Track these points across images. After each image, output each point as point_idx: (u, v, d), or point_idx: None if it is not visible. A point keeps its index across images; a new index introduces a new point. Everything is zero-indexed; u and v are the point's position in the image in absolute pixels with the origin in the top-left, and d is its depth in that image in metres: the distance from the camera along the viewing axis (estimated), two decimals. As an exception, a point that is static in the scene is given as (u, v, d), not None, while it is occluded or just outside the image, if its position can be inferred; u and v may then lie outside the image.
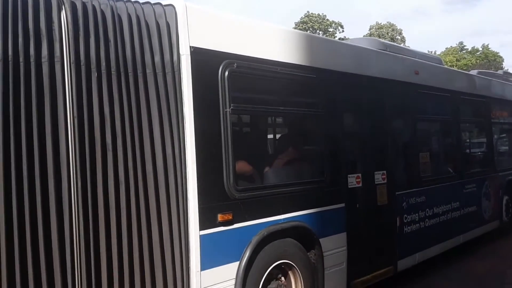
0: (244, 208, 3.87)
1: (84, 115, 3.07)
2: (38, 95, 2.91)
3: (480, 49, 57.94)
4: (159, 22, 3.49)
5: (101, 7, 3.26)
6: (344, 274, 4.79)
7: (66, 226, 2.95)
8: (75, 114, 3.02)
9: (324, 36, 41.32)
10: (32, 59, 2.90)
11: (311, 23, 48.78)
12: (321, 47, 5.08)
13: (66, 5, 3.08)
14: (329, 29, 49.82)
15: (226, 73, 3.81)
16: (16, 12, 2.87)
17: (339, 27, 50.59)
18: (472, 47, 59.09)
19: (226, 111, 3.78)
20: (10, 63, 2.81)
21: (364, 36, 51.15)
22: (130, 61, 3.31)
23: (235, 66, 3.87)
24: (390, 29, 51.48)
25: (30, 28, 2.91)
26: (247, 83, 4.16)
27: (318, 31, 47.85)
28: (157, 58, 3.44)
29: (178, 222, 3.45)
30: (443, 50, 58.50)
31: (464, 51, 58.82)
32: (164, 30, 3.49)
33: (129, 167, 3.24)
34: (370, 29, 52.39)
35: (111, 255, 3.14)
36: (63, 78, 3.00)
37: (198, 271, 3.52)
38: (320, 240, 4.52)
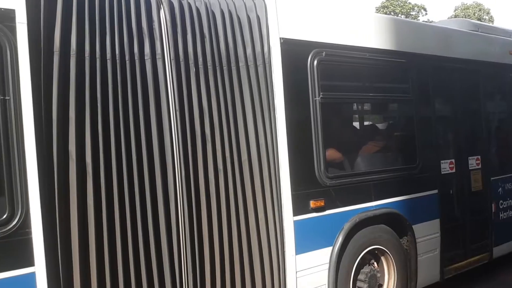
0: (335, 195, 3.90)
1: (184, 108, 3.26)
2: (143, 91, 3.14)
3: None
4: (250, 16, 3.61)
5: (196, 4, 3.44)
6: (438, 260, 4.71)
7: (172, 210, 3.17)
8: (177, 108, 3.23)
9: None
10: (136, 57, 3.13)
11: (392, 7, 46.63)
12: (410, 31, 4.93)
13: (164, 4, 3.29)
14: (411, 13, 47.30)
15: (315, 62, 3.86)
16: (121, 13, 3.12)
17: (422, 10, 47.90)
18: None
19: (316, 99, 3.83)
20: (118, 61, 3.06)
21: (449, 18, 48.33)
22: (224, 55, 3.47)
23: (323, 55, 3.90)
24: (476, 9, 48.22)
25: (134, 28, 3.15)
26: (336, 71, 4.18)
27: (400, 15, 45.78)
28: (248, 51, 3.56)
29: (273, 208, 3.57)
30: (539, 27, 54.49)
31: None
32: (255, 23, 3.60)
33: (226, 156, 3.41)
34: (455, 10, 49.48)
35: (213, 239, 3.33)
36: (165, 74, 3.21)
37: (293, 255, 3.62)
38: (413, 226, 4.47)
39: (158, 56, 3.20)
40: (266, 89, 3.60)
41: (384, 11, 44.90)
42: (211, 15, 3.46)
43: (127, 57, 3.08)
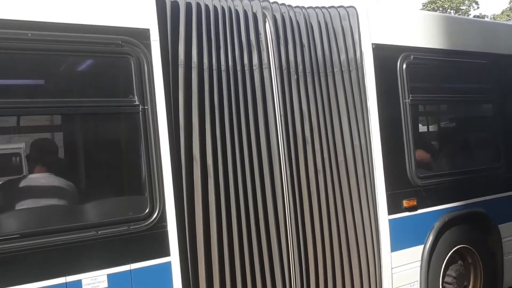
0: (425, 194, 4.04)
1: (288, 113, 3.51)
2: (253, 98, 3.41)
3: None
4: (343, 24, 3.81)
5: (296, 17, 3.68)
6: (525, 260, 4.70)
7: (279, 205, 3.42)
8: (282, 113, 3.48)
9: (492, 20, 38.72)
10: (246, 68, 3.40)
11: (440, 2, 44.93)
12: (489, 32, 4.98)
13: (268, 18, 3.54)
14: (461, 7, 45.66)
15: (404, 65, 4.01)
16: (232, 28, 3.40)
17: (473, 4, 45.49)
18: None
19: (406, 101, 3.98)
20: (231, 72, 3.34)
21: (503, 11, 46.37)
22: (321, 62, 3.69)
23: (411, 58, 4.05)
24: None
25: (244, 41, 3.42)
26: (423, 73, 4.32)
27: (449, 10, 44.39)
28: (342, 57, 3.77)
29: (368, 207, 3.76)
30: None
31: None
32: (348, 30, 3.81)
33: (325, 157, 3.63)
34: (510, 2, 47.75)
35: (315, 236, 3.56)
36: (271, 82, 3.47)
37: (388, 252, 3.79)
38: (499, 226, 4.52)
39: (265, 65, 3.46)
40: (359, 93, 3.79)
41: (432, 6, 43.66)
42: (309, 25, 3.69)
43: (238, 68, 3.36)
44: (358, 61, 3.81)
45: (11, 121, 2.97)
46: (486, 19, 41.65)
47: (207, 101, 3.21)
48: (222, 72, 3.29)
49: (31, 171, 3.05)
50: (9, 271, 2.53)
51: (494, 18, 45.75)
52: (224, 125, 3.26)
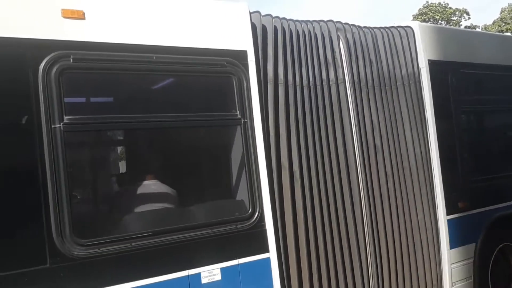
0: (477, 196, 4.43)
1: (360, 123, 3.89)
2: (331, 110, 3.78)
3: None
4: (403, 42, 4.23)
5: (365, 36, 4.08)
6: None
7: (356, 207, 3.78)
8: (356, 123, 3.86)
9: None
10: (324, 83, 3.78)
11: (431, 13, 45.16)
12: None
13: (341, 37, 3.94)
14: (452, 18, 46.30)
15: (454, 79, 4.42)
16: (312, 47, 3.79)
17: (464, 14, 46.00)
18: None
19: (457, 112, 4.39)
20: (311, 87, 3.72)
21: (494, 21, 47.12)
22: (386, 77, 4.09)
23: (461, 72, 4.46)
24: None
25: (321, 59, 3.80)
26: (470, 86, 4.73)
27: (440, 21, 45.07)
28: (403, 72, 4.18)
29: (429, 208, 4.15)
30: None
31: None
32: (407, 48, 4.23)
33: (392, 164, 4.01)
34: (501, 12, 48.40)
35: (386, 234, 3.92)
36: (346, 96, 3.85)
37: (447, 250, 4.17)
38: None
39: (340, 81, 3.84)
40: (417, 105, 4.20)
41: (423, 17, 44.23)
42: (375, 44, 4.09)
43: (318, 83, 3.74)
44: (416, 75, 4.22)
45: (131, 133, 3.30)
46: (477, 29, 42.07)
47: (292, 113, 3.57)
48: (304, 87, 3.66)
49: (144, 179, 3.39)
50: (143, 265, 2.85)
51: (485, 28, 46.44)
52: (307, 134, 3.63)
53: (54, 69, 2.70)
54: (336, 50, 3.89)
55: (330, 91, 3.80)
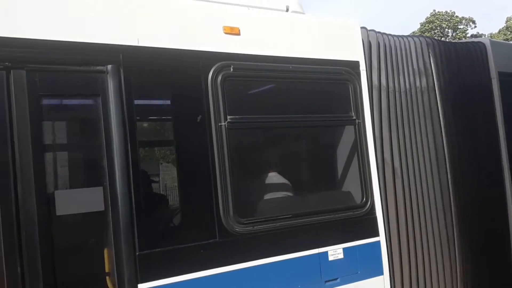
0: None
1: (446, 126, 4.39)
2: (424, 115, 4.28)
3: None
4: (477, 55, 4.80)
5: (450, 50, 4.63)
6: None
7: (445, 198, 4.28)
8: (444, 125, 4.36)
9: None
10: (418, 90, 4.32)
11: (438, 22, 45.47)
12: None
13: (430, 51, 4.47)
14: (459, 26, 46.52)
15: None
16: (406, 58, 4.32)
17: (471, 23, 46.53)
18: None
19: None
20: (408, 93, 4.22)
21: (500, 30, 47.45)
22: (466, 86, 4.63)
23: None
24: None
25: (415, 68, 4.34)
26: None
27: (446, 29, 45.56)
28: (478, 81, 4.74)
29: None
30: None
31: None
32: (480, 60, 4.79)
33: (470, 163, 4.55)
34: (506, 21, 49.19)
35: (470, 223, 4.47)
36: (436, 102, 4.38)
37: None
38: None
39: (431, 88, 4.37)
40: (489, 110, 4.75)
41: (430, 26, 44.62)
42: (458, 57, 4.65)
43: (412, 90, 4.28)
44: (488, 85, 4.76)
45: (276, 131, 3.84)
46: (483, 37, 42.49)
47: (393, 116, 4.11)
48: (402, 94, 4.21)
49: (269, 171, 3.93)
50: (285, 242, 3.39)
51: (491, 37, 47.01)
52: (405, 135, 4.17)
53: (220, 77, 3.24)
54: (427, 61, 4.43)
55: (423, 97, 4.33)
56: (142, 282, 2.81)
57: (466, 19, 47.06)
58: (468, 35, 43.06)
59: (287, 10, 3.93)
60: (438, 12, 47.24)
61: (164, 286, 2.88)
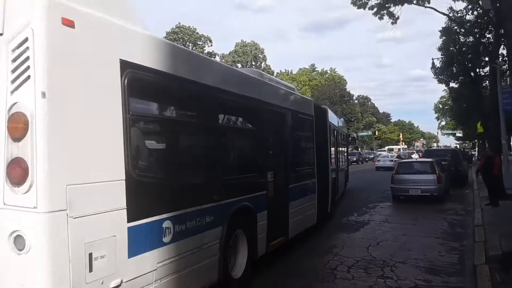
0: None
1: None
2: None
3: (328, 71, 65.18)
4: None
5: None
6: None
7: None
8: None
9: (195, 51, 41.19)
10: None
11: (181, 34, 48.32)
12: None
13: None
14: (198, 42, 49.49)
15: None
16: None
17: (208, 41, 50.18)
18: (322, 69, 65.61)
19: None
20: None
21: (230, 52, 52.73)
22: None
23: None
24: (253, 47, 54.37)
25: None
26: None
27: (188, 43, 47.45)
28: None
29: None
30: (297, 70, 63.67)
31: (315, 73, 64.71)
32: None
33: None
34: (236, 45, 54.71)
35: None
36: None
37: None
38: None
39: None
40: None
41: (174, 36, 46.05)
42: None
43: None
44: None
45: None
46: (216, 57, 44.11)
47: None
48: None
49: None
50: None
51: (223, 57, 50.45)
52: None
53: None
54: None
55: None
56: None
57: (204, 37, 50.03)
58: (205, 52, 45.66)
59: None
60: (183, 25, 49.52)
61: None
